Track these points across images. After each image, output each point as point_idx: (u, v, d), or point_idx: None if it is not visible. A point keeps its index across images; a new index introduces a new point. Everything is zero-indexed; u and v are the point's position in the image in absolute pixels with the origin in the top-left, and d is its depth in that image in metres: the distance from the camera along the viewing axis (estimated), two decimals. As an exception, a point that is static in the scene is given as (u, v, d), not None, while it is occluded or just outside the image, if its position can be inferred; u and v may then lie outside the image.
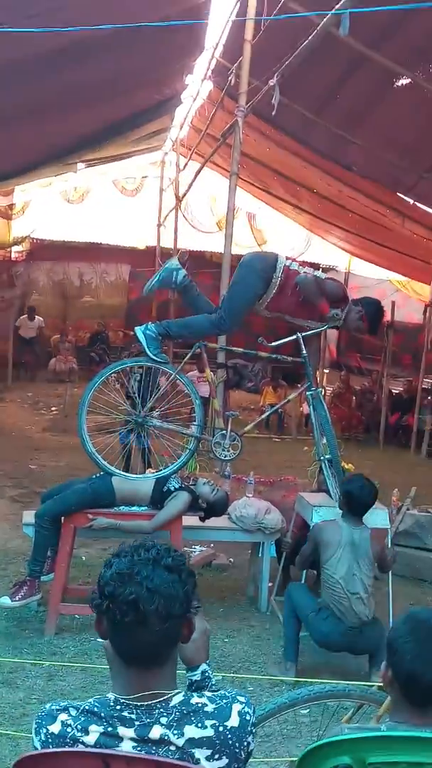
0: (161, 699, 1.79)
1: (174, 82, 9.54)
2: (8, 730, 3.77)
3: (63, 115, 8.53)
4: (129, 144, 12.14)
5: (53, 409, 13.90)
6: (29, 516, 5.51)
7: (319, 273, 5.57)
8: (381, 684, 3.22)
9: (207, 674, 2.19)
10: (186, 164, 13.23)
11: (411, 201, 9.35)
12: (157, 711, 1.77)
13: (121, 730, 1.75)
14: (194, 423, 5.64)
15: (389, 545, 5.36)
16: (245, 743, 1.80)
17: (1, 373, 15.93)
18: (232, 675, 4.58)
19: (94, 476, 5.37)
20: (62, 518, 5.17)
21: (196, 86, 9.74)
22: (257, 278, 5.37)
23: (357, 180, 9.67)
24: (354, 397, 14.93)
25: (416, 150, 8.17)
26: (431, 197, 9.09)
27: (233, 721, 1.80)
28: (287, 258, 5.51)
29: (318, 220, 13.85)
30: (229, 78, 8.00)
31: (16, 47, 5.82)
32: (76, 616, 5.30)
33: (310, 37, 5.85)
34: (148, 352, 5.36)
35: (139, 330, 5.42)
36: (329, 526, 4.89)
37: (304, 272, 5.42)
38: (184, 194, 13.38)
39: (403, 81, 7.27)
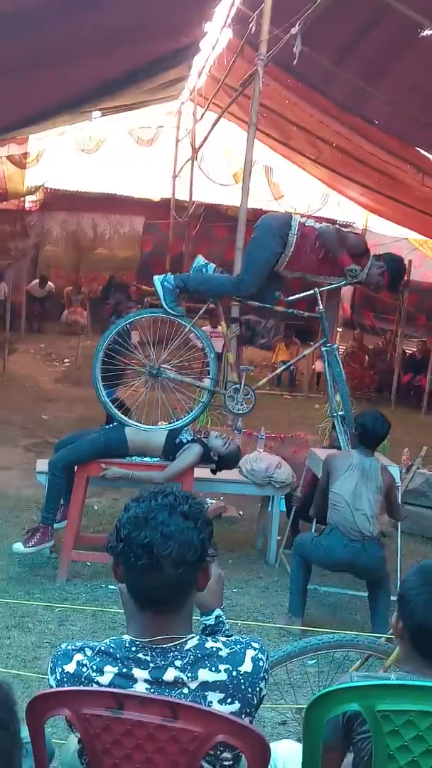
0: (176, 642, 1.81)
1: (193, 29, 9.33)
2: (21, 672, 3.85)
3: (78, 62, 8.37)
4: (145, 93, 11.94)
5: (66, 360, 13.93)
6: (43, 464, 5.56)
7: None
8: (389, 636, 3.27)
9: (221, 619, 2.22)
10: (203, 115, 13.02)
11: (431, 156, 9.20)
12: (171, 654, 1.80)
13: (136, 672, 1.78)
14: (208, 376, 5.65)
15: (399, 502, 5.41)
16: (258, 689, 1.83)
17: (15, 324, 15.93)
18: (240, 623, 4.66)
19: (107, 426, 5.40)
20: (75, 467, 5.22)
21: (216, 34, 9.53)
22: (273, 237, 5.34)
23: (377, 134, 9.50)
24: (367, 357, 14.88)
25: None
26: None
27: (246, 666, 1.82)
28: (302, 216, 5.46)
29: (336, 175, 13.65)
30: (250, 26, 7.82)
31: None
32: (88, 563, 5.38)
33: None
34: (164, 304, 5.36)
35: (157, 280, 5.41)
36: (341, 454, 5.00)
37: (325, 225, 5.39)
38: (201, 145, 13.19)
39: (428, 32, 7.08)
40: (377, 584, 4.79)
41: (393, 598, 4.58)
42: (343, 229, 5.50)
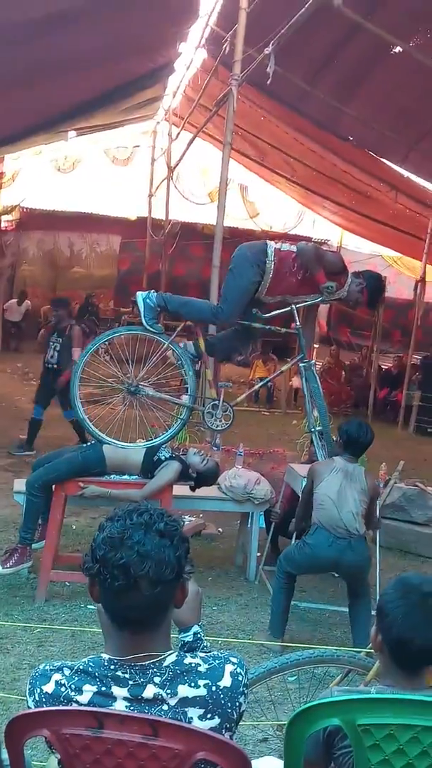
0: (155, 659, 1.80)
1: (167, 49, 9.42)
2: (0, 694, 3.80)
3: (54, 81, 8.41)
4: (121, 112, 12.00)
5: (43, 379, 13.84)
6: (20, 484, 5.52)
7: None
8: (368, 650, 3.28)
9: (199, 636, 2.21)
10: (178, 134, 13.12)
11: (405, 174, 9.32)
12: (150, 671, 1.79)
13: (115, 690, 1.76)
14: (186, 393, 5.66)
15: (377, 517, 5.42)
16: (237, 704, 1.82)
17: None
18: (221, 640, 4.63)
19: (84, 444, 5.38)
20: (53, 486, 5.19)
21: (190, 54, 9.63)
22: (251, 267, 5.37)
23: (351, 152, 9.60)
24: (343, 372, 14.98)
25: (409, 119, 8.13)
26: (423, 167, 9.06)
27: (226, 681, 1.81)
28: (276, 241, 5.51)
29: (311, 194, 13.78)
30: (224, 46, 7.91)
31: (3, 12, 5.73)
32: (66, 583, 5.33)
33: (305, 6, 5.80)
34: (144, 321, 5.37)
35: (140, 296, 5.42)
36: (324, 462, 5.00)
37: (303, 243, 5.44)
38: (176, 164, 13.27)
39: (397, 50, 7.21)
40: (359, 589, 4.77)
41: (373, 612, 4.59)
42: (321, 247, 5.54)
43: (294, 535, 5.24)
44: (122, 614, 1.79)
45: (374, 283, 5.58)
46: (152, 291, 5.49)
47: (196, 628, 2.20)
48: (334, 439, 5.08)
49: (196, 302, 5.57)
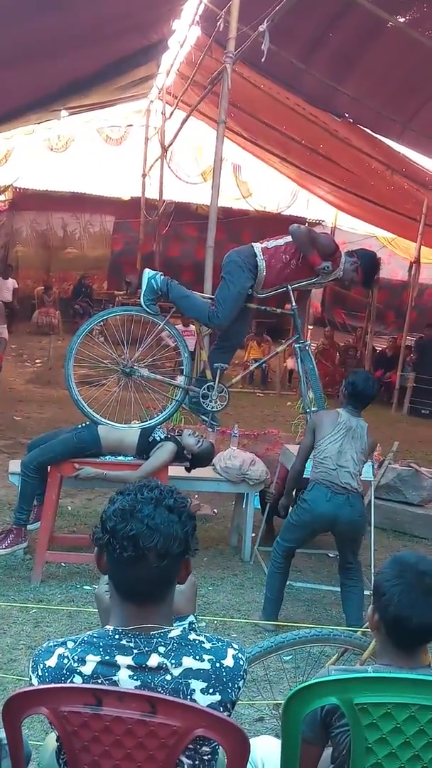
0: (160, 630, 1.83)
1: (161, 26, 9.32)
2: (-4, 674, 3.82)
3: (46, 60, 8.31)
4: (114, 91, 11.88)
5: (37, 361, 13.84)
6: (15, 465, 5.51)
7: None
8: (365, 629, 3.29)
9: (194, 626, 2.22)
10: (172, 113, 13.00)
11: (400, 151, 9.27)
12: (155, 640, 1.81)
13: (119, 658, 1.78)
14: (181, 374, 5.65)
15: (372, 499, 5.45)
16: (236, 686, 1.84)
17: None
18: (216, 620, 4.66)
19: (80, 425, 5.37)
20: (48, 467, 5.18)
21: (184, 32, 9.53)
22: (242, 272, 5.42)
23: (346, 130, 9.54)
24: (338, 354, 14.97)
25: (404, 95, 8.08)
26: (419, 143, 9.01)
27: (228, 662, 1.84)
28: (261, 242, 5.54)
29: (305, 173, 13.70)
30: (218, 23, 7.81)
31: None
32: (62, 564, 5.35)
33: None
34: (142, 300, 5.37)
35: (147, 273, 5.43)
36: (328, 413, 4.96)
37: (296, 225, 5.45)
38: (170, 143, 13.17)
39: (391, 25, 7.15)
40: (352, 560, 4.78)
41: (367, 592, 4.62)
42: (313, 229, 5.53)
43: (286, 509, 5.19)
44: (129, 585, 1.83)
45: (368, 261, 5.58)
46: (160, 273, 5.47)
47: (191, 618, 2.22)
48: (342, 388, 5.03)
49: (195, 299, 5.57)
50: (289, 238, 5.47)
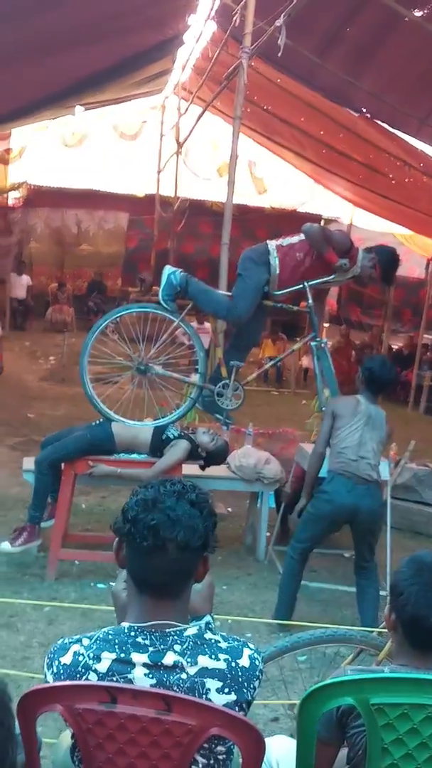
0: (176, 628, 1.82)
1: (176, 21, 9.30)
2: (10, 672, 3.81)
3: (62, 55, 8.30)
4: (129, 87, 11.88)
5: (51, 358, 13.86)
6: (29, 462, 5.52)
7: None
8: (381, 629, 3.26)
9: (210, 626, 2.21)
10: (187, 109, 12.98)
11: (418, 148, 9.20)
12: (171, 638, 1.81)
13: (135, 656, 1.77)
14: (196, 372, 5.63)
15: (388, 498, 5.41)
16: (252, 686, 1.83)
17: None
18: (230, 619, 4.64)
19: (93, 423, 5.37)
20: (62, 465, 5.18)
21: (199, 27, 9.50)
22: (257, 267, 5.40)
23: (363, 126, 9.48)
24: (353, 352, 14.89)
25: (422, 90, 8.01)
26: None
27: (244, 662, 1.83)
28: (276, 240, 5.51)
29: (321, 170, 13.63)
30: (234, 18, 7.78)
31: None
32: (76, 561, 5.35)
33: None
34: (161, 296, 5.37)
35: (167, 270, 5.42)
36: (347, 399, 4.90)
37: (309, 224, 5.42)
38: (185, 139, 13.14)
39: (407, 19, 7.09)
40: (369, 558, 4.74)
41: (383, 593, 4.58)
42: (328, 227, 5.48)
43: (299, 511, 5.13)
44: (147, 577, 1.84)
45: (386, 257, 5.51)
46: (180, 270, 5.46)
47: (207, 618, 2.21)
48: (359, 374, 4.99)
49: (214, 294, 5.56)
50: (303, 236, 5.44)
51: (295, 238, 5.46)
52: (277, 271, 5.38)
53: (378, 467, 4.70)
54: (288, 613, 4.77)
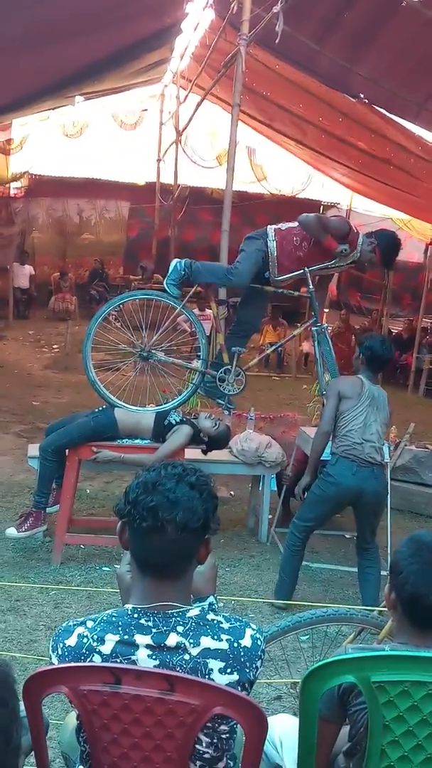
0: (178, 609, 1.85)
1: (174, 10, 9.27)
2: (17, 655, 3.86)
3: (60, 44, 8.30)
4: (128, 76, 11.85)
5: (54, 347, 13.89)
6: (34, 449, 5.56)
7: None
8: (381, 608, 3.30)
9: (213, 606, 2.24)
10: (186, 97, 12.95)
11: (415, 132, 9.18)
12: (173, 620, 1.83)
13: (138, 638, 1.80)
14: (198, 358, 5.66)
15: (388, 480, 5.44)
16: (254, 666, 1.85)
17: (2, 311, 15.83)
18: (233, 599, 4.69)
19: (96, 409, 5.41)
20: (66, 451, 5.22)
21: (197, 15, 9.47)
22: (254, 242, 5.50)
23: (362, 112, 9.46)
24: (353, 336, 14.88)
25: (420, 75, 7.99)
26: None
27: (246, 642, 1.85)
28: (273, 226, 5.57)
29: (320, 156, 13.60)
30: (232, 6, 7.76)
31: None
32: (81, 546, 5.40)
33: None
34: (165, 281, 5.41)
35: (174, 261, 5.50)
36: (351, 380, 4.89)
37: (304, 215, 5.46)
38: (185, 127, 13.12)
39: (405, 3, 7.05)
40: (371, 539, 4.79)
41: (384, 573, 4.63)
42: (324, 215, 5.51)
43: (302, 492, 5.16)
44: (148, 558, 1.86)
45: (387, 241, 5.52)
46: (187, 259, 5.50)
47: (211, 599, 2.24)
48: (358, 354, 5.00)
49: (214, 265, 5.69)
50: None
51: (294, 223, 5.48)
52: (275, 253, 5.41)
53: (382, 449, 4.73)
54: (289, 592, 4.82)
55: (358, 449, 4.62)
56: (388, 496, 5.40)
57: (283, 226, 5.50)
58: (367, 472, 4.61)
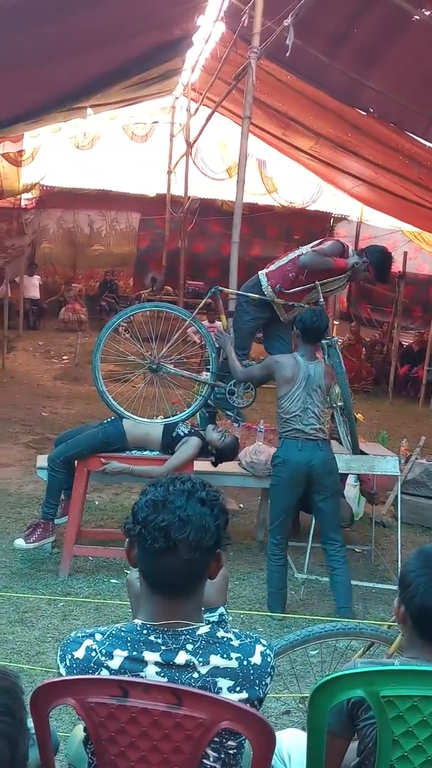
0: (188, 627, 1.82)
1: (185, 23, 9.32)
2: (25, 666, 3.85)
3: (72, 58, 8.35)
4: (139, 88, 11.91)
5: (64, 357, 13.93)
6: (43, 460, 5.57)
7: (305, 248, 5.58)
8: (391, 623, 3.28)
9: (224, 617, 2.23)
10: (197, 109, 13.00)
11: (426, 144, 9.18)
12: (183, 637, 1.80)
13: (147, 655, 1.78)
14: (207, 370, 5.67)
15: (398, 493, 5.43)
16: (264, 683, 1.83)
17: (13, 322, 15.87)
18: (242, 613, 4.67)
19: (105, 420, 5.41)
20: (75, 462, 5.22)
21: (208, 28, 9.52)
22: (247, 303, 5.61)
23: (372, 125, 9.48)
24: (364, 349, 14.88)
25: (429, 91, 8.00)
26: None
27: (256, 659, 1.83)
28: (266, 267, 5.65)
29: (331, 168, 13.63)
30: (242, 19, 7.79)
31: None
32: (90, 557, 5.40)
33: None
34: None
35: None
36: (287, 361, 4.98)
37: (301, 250, 5.48)
38: (195, 139, 13.17)
39: (416, 18, 7.08)
40: (334, 523, 4.93)
41: (393, 587, 4.60)
42: (318, 247, 5.52)
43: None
44: (159, 577, 1.83)
45: (377, 257, 5.58)
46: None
47: (221, 610, 2.23)
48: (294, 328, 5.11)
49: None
50: (292, 256, 5.53)
51: (284, 259, 5.58)
52: (275, 299, 5.52)
53: (323, 428, 4.91)
54: (281, 602, 4.88)
55: (300, 430, 4.81)
56: (398, 509, 5.41)
57: (275, 266, 5.58)
58: (312, 445, 4.81)
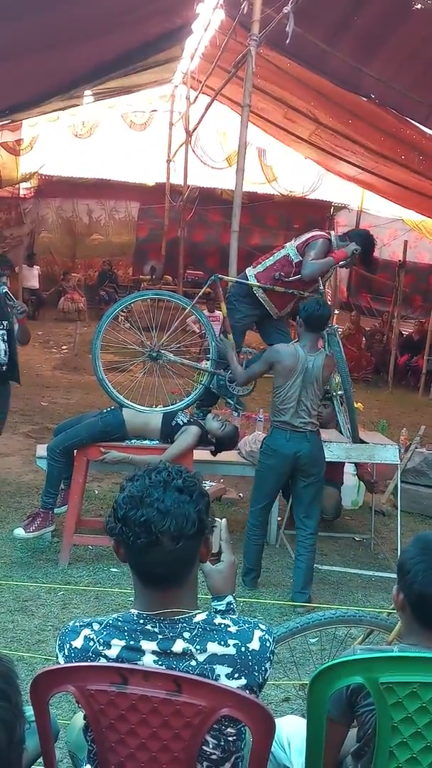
0: (185, 615, 1.82)
1: (184, 10, 9.27)
2: (25, 655, 3.86)
3: (71, 45, 8.31)
4: (138, 76, 11.86)
5: (63, 347, 13.92)
6: (42, 449, 5.57)
7: (290, 246, 5.53)
8: (390, 611, 3.29)
9: (231, 606, 2.22)
10: (196, 98, 12.95)
11: (427, 132, 9.15)
12: (180, 626, 1.80)
13: (144, 644, 1.78)
14: (208, 359, 5.66)
15: (398, 482, 5.42)
16: (263, 668, 1.83)
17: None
18: (242, 600, 4.68)
19: (104, 410, 5.41)
20: (74, 451, 5.22)
21: (208, 15, 9.47)
22: (237, 302, 5.59)
23: (372, 113, 9.44)
24: (364, 338, 14.86)
25: (429, 78, 7.97)
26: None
27: (254, 645, 1.82)
28: (252, 268, 5.60)
29: (331, 156, 13.58)
30: (242, 6, 7.76)
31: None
32: (90, 546, 5.40)
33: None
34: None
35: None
36: (287, 352, 4.97)
37: (287, 251, 5.47)
38: (195, 128, 13.12)
39: (417, 6, 7.04)
40: (313, 507, 4.96)
41: (393, 575, 4.61)
42: (307, 255, 5.49)
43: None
44: (147, 571, 1.82)
45: (364, 240, 5.55)
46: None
47: (229, 598, 2.21)
48: (295, 320, 5.12)
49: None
50: (278, 255, 5.50)
51: (270, 259, 5.54)
52: (266, 298, 5.53)
53: (313, 421, 4.93)
54: (255, 577, 5.06)
55: (290, 422, 4.86)
56: (398, 502, 5.42)
57: (261, 266, 5.55)
58: (300, 436, 4.86)
